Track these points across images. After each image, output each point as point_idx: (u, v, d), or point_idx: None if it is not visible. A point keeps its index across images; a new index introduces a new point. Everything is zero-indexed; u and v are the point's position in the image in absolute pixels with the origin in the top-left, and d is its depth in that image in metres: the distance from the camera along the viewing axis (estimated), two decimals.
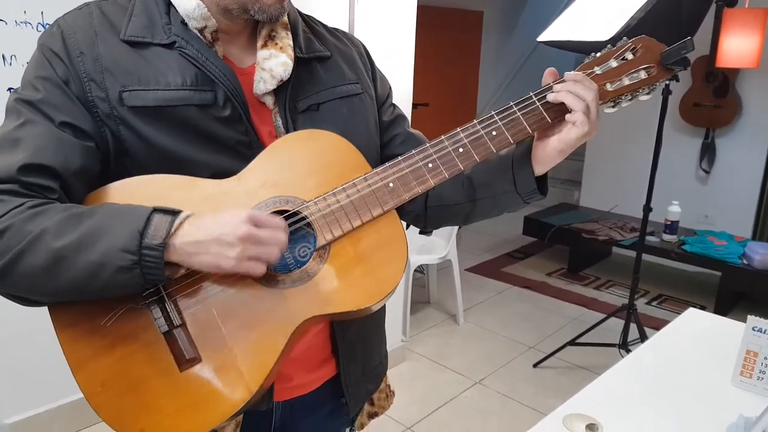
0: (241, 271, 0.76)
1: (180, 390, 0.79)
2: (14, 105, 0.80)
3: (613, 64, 0.90)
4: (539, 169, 0.91)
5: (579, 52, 2.64)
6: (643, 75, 0.90)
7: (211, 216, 0.76)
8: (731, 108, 4.06)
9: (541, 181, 0.94)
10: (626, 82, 0.90)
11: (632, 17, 2.14)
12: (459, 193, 0.99)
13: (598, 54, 0.91)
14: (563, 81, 0.88)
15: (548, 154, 0.89)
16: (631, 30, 2.14)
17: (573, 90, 0.85)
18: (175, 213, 0.75)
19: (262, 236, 0.75)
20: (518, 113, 0.88)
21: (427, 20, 3.93)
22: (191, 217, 0.76)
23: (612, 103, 0.92)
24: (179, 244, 0.74)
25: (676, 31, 2.34)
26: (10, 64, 1.98)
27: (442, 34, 5.13)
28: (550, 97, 0.87)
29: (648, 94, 0.93)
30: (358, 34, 2.44)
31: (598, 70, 0.90)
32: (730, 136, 4.18)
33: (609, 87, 0.90)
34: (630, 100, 0.93)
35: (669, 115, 2.94)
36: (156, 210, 0.75)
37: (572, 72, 0.89)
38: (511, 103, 0.88)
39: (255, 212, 0.76)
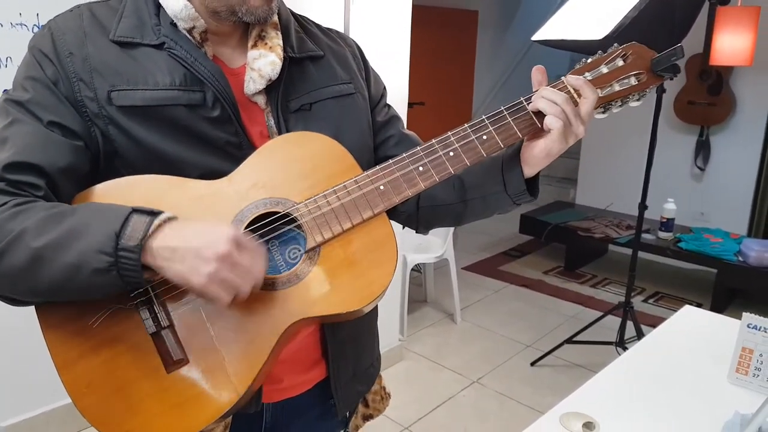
0: (206, 293, 0.72)
1: (167, 391, 0.78)
2: (4, 105, 0.81)
3: (604, 70, 0.91)
4: (528, 171, 0.91)
5: (573, 51, 2.64)
6: (633, 81, 0.91)
7: (194, 225, 0.75)
8: (725, 105, 4.07)
9: (532, 183, 0.94)
10: (616, 87, 0.91)
11: (626, 16, 2.14)
12: (451, 194, 1.00)
13: (589, 60, 0.91)
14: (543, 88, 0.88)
15: (535, 156, 0.89)
16: (624, 29, 2.14)
17: (545, 95, 0.86)
18: (153, 214, 0.74)
19: (240, 263, 0.72)
20: (509, 118, 0.88)
21: (423, 19, 3.93)
22: (173, 222, 0.75)
23: (602, 109, 0.93)
24: (156, 248, 0.72)
25: (669, 30, 2.35)
26: (6, 66, 1.97)
27: (438, 34, 5.13)
28: (530, 106, 0.88)
29: (638, 100, 0.93)
30: (354, 34, 2.44)
31: (588, 75, 0.90)
32: (725, 134, 4.19)
33: (599, 93, 0.90)
34: (620, 106, 0.93)
35: (664, 113, 2.96)
36: (135, 210, 0.73)
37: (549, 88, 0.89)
38: (502, 108, 0.89)
39: (239, 234, 0.74)
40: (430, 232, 1.09)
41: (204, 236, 0.73)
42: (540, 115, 0.87)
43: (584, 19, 2.36)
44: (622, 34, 2.18)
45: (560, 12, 2.49)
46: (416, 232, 1.09)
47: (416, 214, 1.04)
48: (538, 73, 0.90)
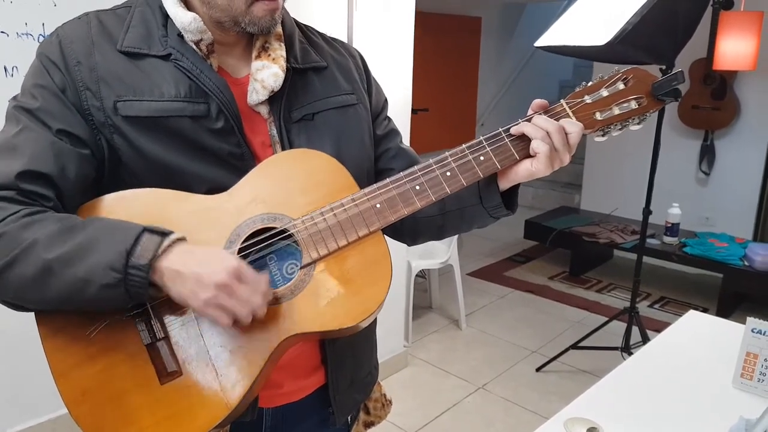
0: (205, 315, 0.77)
1: (159, 403, 0.79)
2: (13, 112, 0.82)
3: (604, 93, 0.91)
4: (504, 185, 0.93)
5: (576, 56, 2.65)
6: (633, 105, 0.91)
7: (201, 251, 0.77)
8: (729, 110, 4.06)
9: (510, 198, 0.95)
10: (616, 111, 0.91)
11: (628, 22, 2.15)
12: (432, 207, 1.00)
13: (590, 83, 0.92)
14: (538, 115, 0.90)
15: (518, 174, 0.91)
16: (627, 34, 2.15)
17: (535, 122, 0.88)
18: (164, 234, 0.76)
19: (238, 292, 0.75)
20: (506, 140, 0.89)
21: (426, 26, 3.94)
22: (181, 244, 0.77)
23: (602, 132, 0.93)
24: (164, 268, 0.74)
25: (672, 35, 2.35)
26: (12, 75, 1.99)
27: (441, 40, 5.14)
28: (513, 129, 0.89)
29: (638, 123, 0.93)
30: (357, 40, 2.46)
31: (588, 98, 0.91)
32: (729, 138, 4.18)
33: (599, 116, 0.91)
34: (620, 129, 0.93)
35: (668, 118, 2.95)
36: (146, 230, 0.75)
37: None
38: (500, 129, 0.90)
39: (242, 266, 0.76)
40: None
41: (208, 264, 0.75)
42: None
43: (587, 24, 2.37)
44: (624, 39, 2.19)
45: (563, 18, 2.50)
46: (408, 246, 1.10)
47: (401, 226, 1.04)
48: (536, 104, 0.92)
